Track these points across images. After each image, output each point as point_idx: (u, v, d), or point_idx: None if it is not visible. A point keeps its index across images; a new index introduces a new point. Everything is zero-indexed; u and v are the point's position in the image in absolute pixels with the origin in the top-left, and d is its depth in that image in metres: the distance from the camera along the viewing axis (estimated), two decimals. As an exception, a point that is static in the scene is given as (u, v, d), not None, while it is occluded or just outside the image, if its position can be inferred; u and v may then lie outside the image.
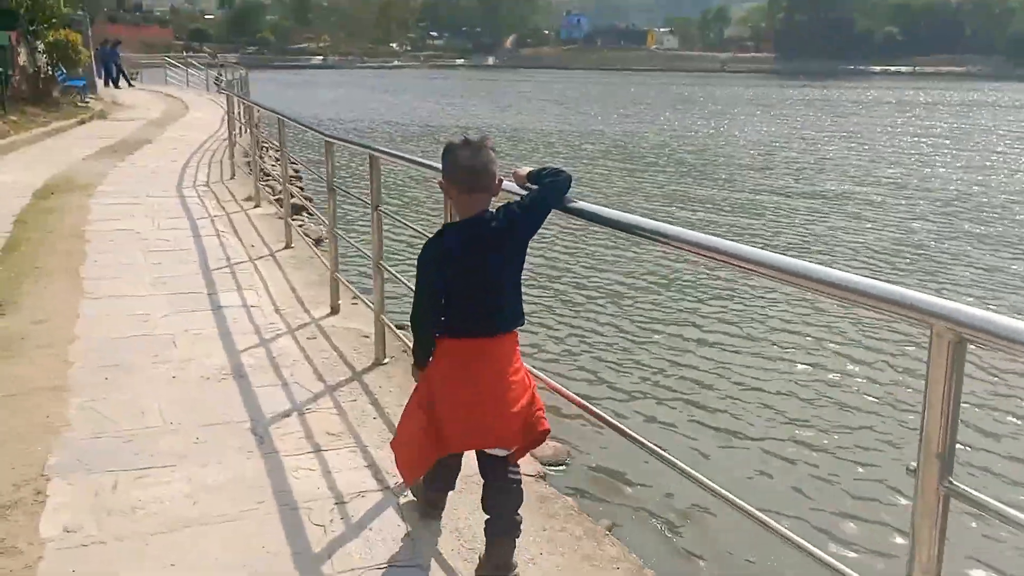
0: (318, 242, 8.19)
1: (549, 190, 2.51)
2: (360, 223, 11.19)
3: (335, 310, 5.39)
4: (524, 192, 2.56)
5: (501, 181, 2.48)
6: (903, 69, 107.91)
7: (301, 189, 12.72)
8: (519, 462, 2.59)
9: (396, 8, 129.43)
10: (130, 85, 30.81)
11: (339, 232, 5.44)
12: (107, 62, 29.96)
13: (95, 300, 5.50)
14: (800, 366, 7.01)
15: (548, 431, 2.53)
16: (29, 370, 4.24)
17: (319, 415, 3.80)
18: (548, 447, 5.18)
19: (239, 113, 13.20)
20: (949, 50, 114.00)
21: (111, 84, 30.09)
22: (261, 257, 6.90)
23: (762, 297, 8.80)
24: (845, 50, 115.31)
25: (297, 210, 9.60)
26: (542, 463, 4.11)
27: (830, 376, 6.79)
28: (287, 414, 3.80)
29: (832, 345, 7.49)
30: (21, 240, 7.07)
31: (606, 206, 2.56)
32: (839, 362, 7.09)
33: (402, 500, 3.04)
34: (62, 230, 7.56)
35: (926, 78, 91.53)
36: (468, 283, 2.42)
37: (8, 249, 6.75)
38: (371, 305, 4.61)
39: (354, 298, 5.63)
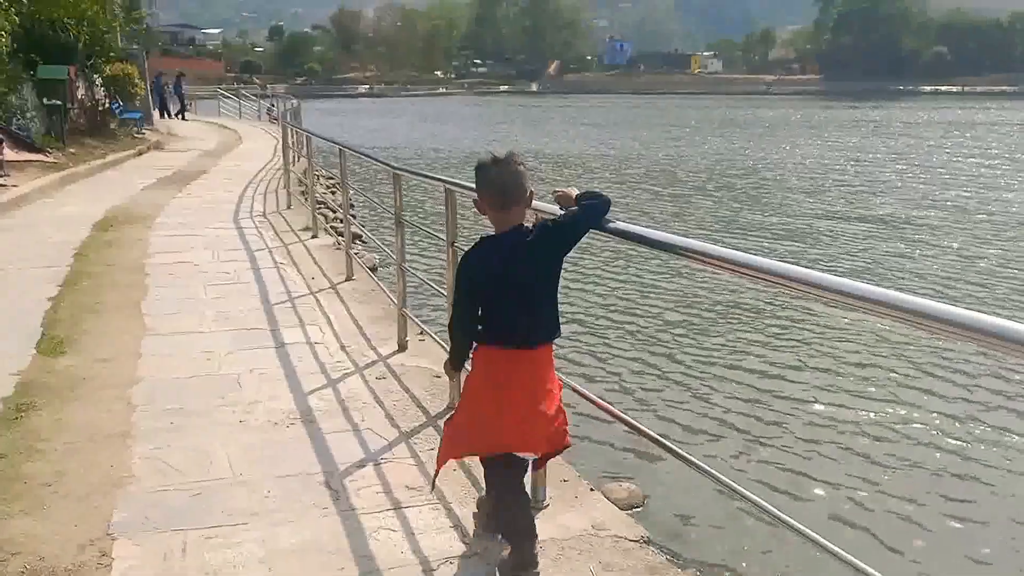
0: (374, 269, 8.02)
1: (587, 210, 2.60)
2: (425, 256, 11.03)
3: (402, 347, 5.15)
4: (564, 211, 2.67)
5: (532, 194, 2.59)
6: (953, 89, 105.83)
7: (353, 218, 12.63)
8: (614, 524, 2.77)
9: (440, 37, 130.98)
10: (183, 118, 31.36)
11: (408, 267, 5.22)
12: (163, 94, 30.51)
13: (158, 337, 5.35)
14: (876, 394, 6.59)
15: (569, 444, 2.70)
16: (92, 415, 4.06)
17: (396, 466, 3.54)
18: (621, 489, 4.88)
19: (293, 142, 13.18)
20: (999, 69, 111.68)
21: (167, 115, 30.67)
22: (322, 290, 6.72)
23: (826, 323, 8.38)
24: (892, 70, 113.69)
25: (353, 238, 9.44)
26: (618, 506, 3.78)
27: (925, 412, 6.36)
28: (362, 464, 3.55)
29: (930, 379, 7.05)
30: (82, 275, 6.99)
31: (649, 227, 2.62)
32: (935, 398, 6.66)
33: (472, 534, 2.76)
34: (123, 263, 7.48)
35: (977, 98, 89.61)
36: (504, 294, 2.55)
37: (69, 284, 6.67)
38: (444, 345, 4.35)
39: (421, 334, 5.37)
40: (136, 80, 21.55)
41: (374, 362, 4.92)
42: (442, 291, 4.46)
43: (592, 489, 3.42)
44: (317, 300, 6.40)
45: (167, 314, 5.87)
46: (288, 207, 11.08)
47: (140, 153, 18.41)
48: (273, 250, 8.26)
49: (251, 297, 6.39)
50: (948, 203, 17.25)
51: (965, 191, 19.07)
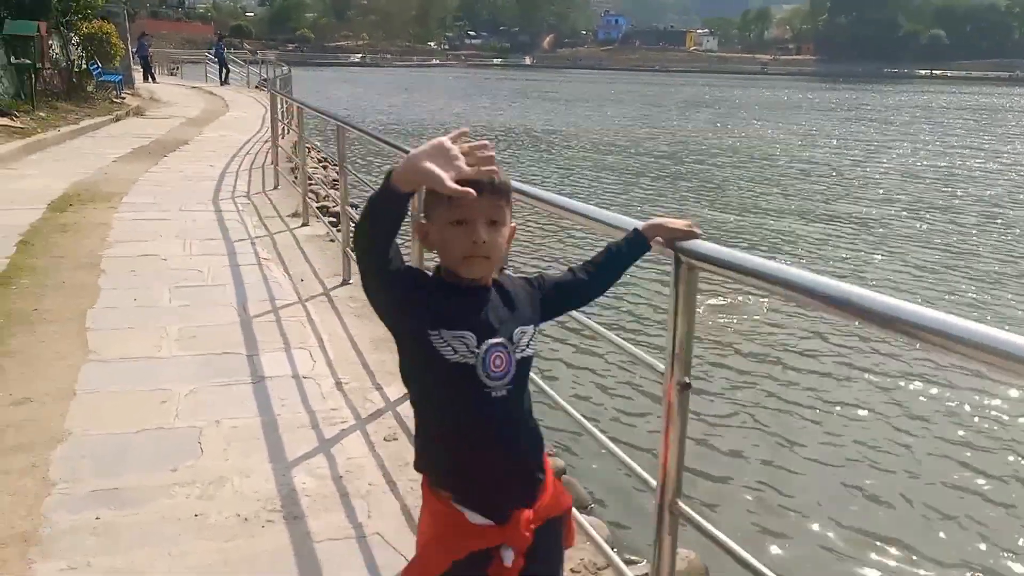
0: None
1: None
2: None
3: (417, 389, 4.00)
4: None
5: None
6: (949, 73, 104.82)
7: (353, 207, 11.37)
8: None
9: (435, 7, 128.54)
10: (153, 80, 29.75)
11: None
12: (147, 57, 29.01)
13: (101, 365, 4.17)
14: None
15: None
16: (-11, 498, 2.90)
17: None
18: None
19: (283, 113, 11.92)
20: (995, 54, 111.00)
21: (151, 79, 29.15)
22: (313, 297, 5.55)
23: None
24: (889, 53, 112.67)
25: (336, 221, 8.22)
26: None
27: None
28: (371, 602, 2.42)
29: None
30: (21, 270, 5.78)
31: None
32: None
33: None
34: (74, 255, 6.27)
35: (975, 82, 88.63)
36: None
37: (3, 283, 5.46)
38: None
39: None
40: (115, 40, 20.08)
41: (380, 412, 3.77)
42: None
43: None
44: (307, 311, 5.23)
45: (118, 329, 4.69)
46: (276, 187, 9.85)
47: (118, 119, 17.05)
48: (256, 241, 7.06)
49: (226, 307, 5.21)
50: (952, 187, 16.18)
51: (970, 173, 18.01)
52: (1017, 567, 4.26)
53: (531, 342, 1.59)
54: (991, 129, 32.23)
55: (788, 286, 1.51)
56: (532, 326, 1.61)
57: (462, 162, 1.42)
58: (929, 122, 34.89)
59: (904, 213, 14.17)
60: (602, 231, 1.99)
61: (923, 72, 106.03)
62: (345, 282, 5.84)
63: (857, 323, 1.33)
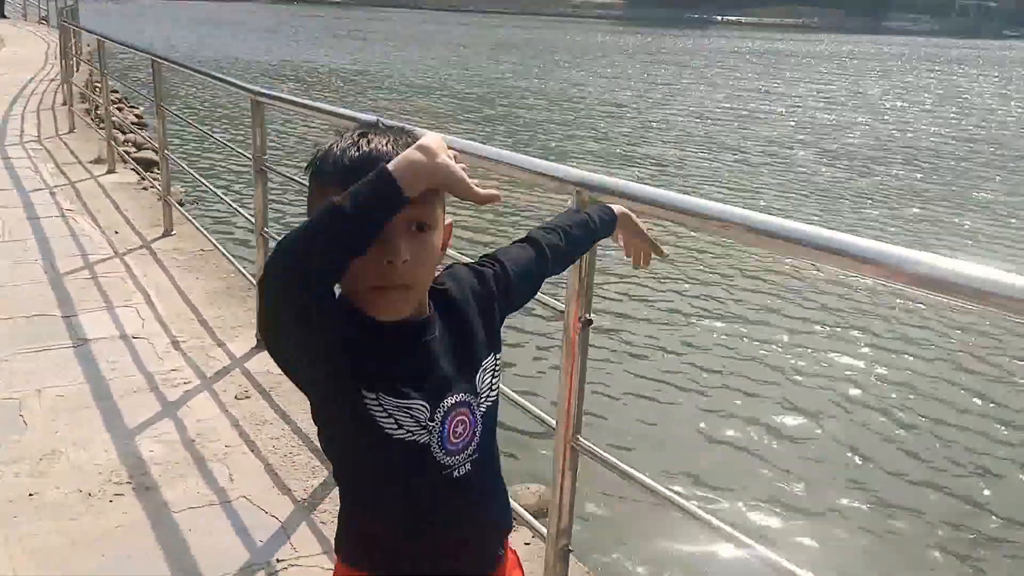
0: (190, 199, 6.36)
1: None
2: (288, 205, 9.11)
3: (262, 342, 3.77)
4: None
5: None
6: (744, 20, 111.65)
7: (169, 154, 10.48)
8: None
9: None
10: None
11: (268, 232, 3.81)
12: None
13: None
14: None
15: None
16: None
17: (304, 572, 2.30)
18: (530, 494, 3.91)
19: (74, 47, 10.77)
20: (789, 1, 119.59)
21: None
22: (132, 250, 5.11)
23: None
24: (690, 1, 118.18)
25: (147, 166, 7.59)
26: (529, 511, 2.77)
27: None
28: (249, 570, 2.28)
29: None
30: None
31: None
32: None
33: None
34: None
35: (767, 28, 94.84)
36: None
37: None
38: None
39: None
40: None
41: (227, 370, 3.54)
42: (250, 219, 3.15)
43: None
44: (127, 266, 4.81)
45: (-99, 294, 4.11)
46: (71, 130, 8.93)
47: None
48: (56, 191, 6.39)
49: (30, 265, 4.69)
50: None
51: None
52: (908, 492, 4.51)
53: (496, 376, 1.20)
54: (780, 73, 34.59)
55: (680, 211, 1.56)
56: (493, 354, 1.20)
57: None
58: (723, 66, 36.89)
59: (700, 152, 14.94)
60: (530, 180, 1.92)
61: (719, 18, 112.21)
62: (167, 233, 5.41)
63: (763, 249, 1.37)
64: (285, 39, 41.04)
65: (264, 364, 3.56)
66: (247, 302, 4.25)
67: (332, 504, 2.59)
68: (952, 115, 22.14)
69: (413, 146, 1.01)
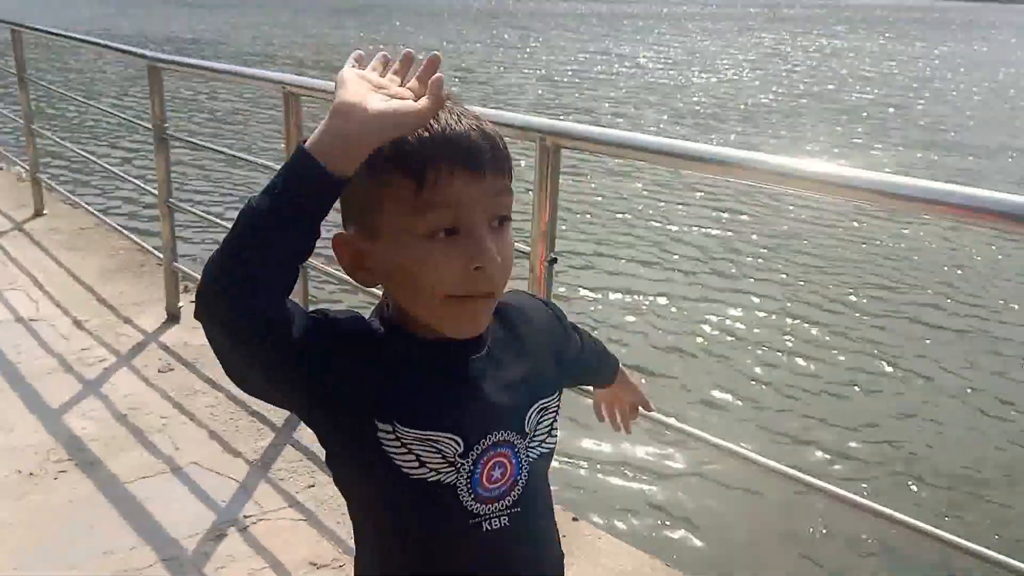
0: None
1: None
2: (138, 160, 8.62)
3: (175, 315, 3.73)
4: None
5: None
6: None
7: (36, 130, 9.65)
8: None
9: None
10: None
11: (174, 202, 3.73)
12: None
13: None
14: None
15: None
16: None
17: (273, 525, 2.38)
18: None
19: None
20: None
21: None
22: (3, 233, 4.84)
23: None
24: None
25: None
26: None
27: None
28: (219, 535, 2.34)
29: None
30: None
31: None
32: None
33: None
34: None
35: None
36: None
37: None
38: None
39: (184, 278, 3.86)
40: None
41: (142, 345, 3.49)
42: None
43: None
44: (2, 249, 4.57)
45: None
46: None
47: None
48: None
49: None
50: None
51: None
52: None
53: (554, 424, 0.98)
54: (622, 36, 35.69)
55: (644, 149, 1.77)
56: (557, 394, 0.99)
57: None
58: (565, 28, 37.67)
59: (551, 116, 15.32)
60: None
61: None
62: (39, 213, 5.14)
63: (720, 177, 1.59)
64: (116, 8, 38.39)
65: (181, 337, 3.53)
66: (144, 277, 4.17)
67: (286, 463, 2.67)
68: (782, 72, 23.65)
69: (330, 111, 0.78)
